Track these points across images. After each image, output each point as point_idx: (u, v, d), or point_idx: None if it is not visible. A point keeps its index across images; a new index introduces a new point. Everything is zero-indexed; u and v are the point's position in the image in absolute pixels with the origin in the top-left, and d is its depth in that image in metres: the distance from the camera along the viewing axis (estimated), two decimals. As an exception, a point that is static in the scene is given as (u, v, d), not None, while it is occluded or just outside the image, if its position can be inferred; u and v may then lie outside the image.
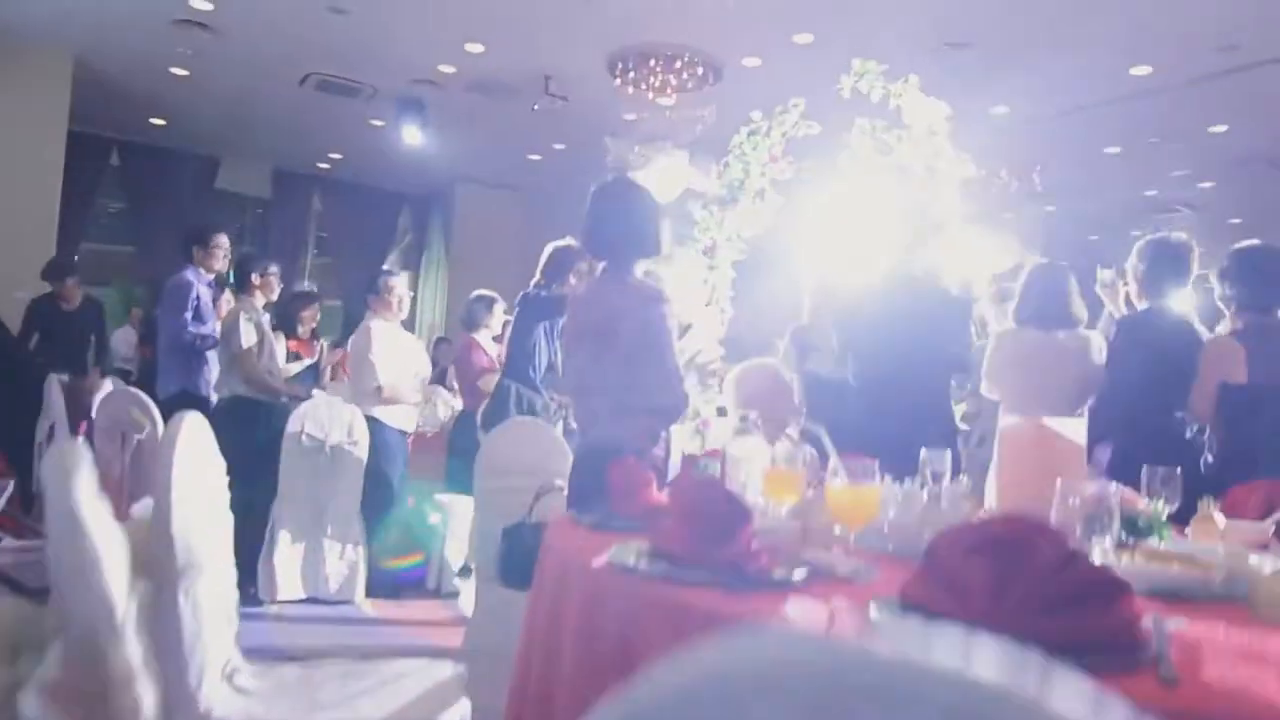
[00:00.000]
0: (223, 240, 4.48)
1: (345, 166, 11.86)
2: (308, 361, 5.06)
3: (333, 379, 5.64)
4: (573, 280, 4.14)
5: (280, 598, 3.97)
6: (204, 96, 9.20)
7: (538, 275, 4.37)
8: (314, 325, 5.22)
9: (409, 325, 14.04)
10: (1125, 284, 3.55)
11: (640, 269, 2.41)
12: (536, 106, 8.18)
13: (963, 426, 3.57)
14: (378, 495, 4.10)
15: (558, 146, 10.26)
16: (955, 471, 2.86)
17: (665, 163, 8.04)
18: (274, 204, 12.63)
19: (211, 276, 4.54)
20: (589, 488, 2.26)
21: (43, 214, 8.50)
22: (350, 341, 4.27)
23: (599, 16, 6.81)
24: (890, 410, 2.77)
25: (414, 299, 13.71)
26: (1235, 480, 2.80)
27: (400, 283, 4.24)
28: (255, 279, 4.17)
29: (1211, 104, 7.99)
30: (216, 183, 11.89)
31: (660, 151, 8.05)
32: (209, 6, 7.09)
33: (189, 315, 4.23)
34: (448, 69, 8.15)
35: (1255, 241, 3.01)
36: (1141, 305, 3.18)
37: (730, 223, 4.30)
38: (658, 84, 7.77)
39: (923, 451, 2.21)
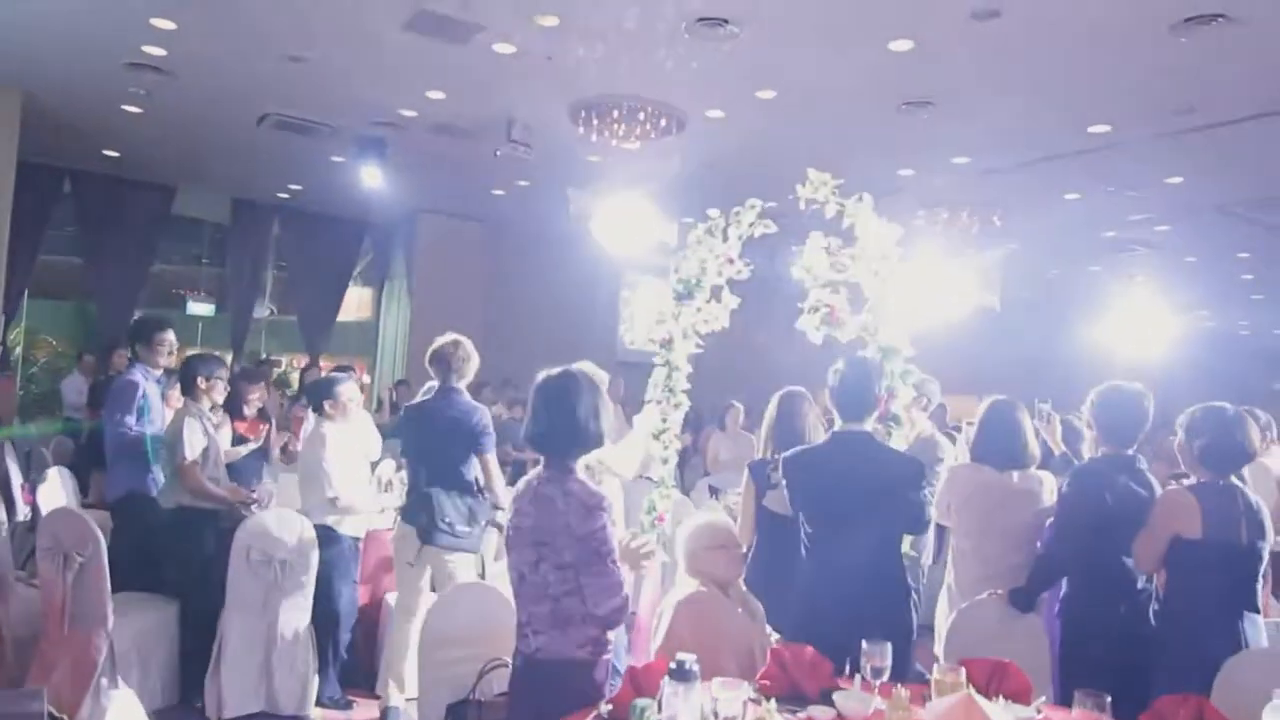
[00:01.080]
0: (167, 336, 4.36)
1: (305, 196, 11.67)
2: (253, 445, 4.95)
3: (283, 454, 5.56)
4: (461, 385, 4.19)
5: (227, 715, 3.87)
6: (158, 131, 9.00)
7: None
8: (261, 405, 5.11)
9: (370, 350, 13.99)
10: (1058, 422, 3.59)
11: (581, 463, 2.38)
12: (499, 153, 8.09)
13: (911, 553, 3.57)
14: (330, 606, 4.02)
15: (521, 183, 10.18)
16: (910, 635, 2.87)
17: (628, 212, 8.01)
18: (233, 230, 12.41)
19: (159, 372, 4.43)
20: (528, 713, 2.22)
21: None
22: (302, 446, 4.17)
23: (560, 70, 6.75)
24: (838, 572, 2.77)
25: (376, 327, 13.59)
26: (1179, 636, 2.84)
27: (349, 387, 4.14)
28: (201, 382, 4.05)
29: (1167, 159, 8.12)
30: (174, 209, 11.67)
31: (623, 200, 8.02)
32: (162, 51, 6.92)
33: (133, 417, 4.12)
34: (409, 112, 8.04)
35: (1223, 405, 3.02)
36: (1099, 451, 3.19)
37: (685, 317, 4.27)
38: (621, 132, 7.72)
39: (864, 644, 2.21)
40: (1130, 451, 3.11)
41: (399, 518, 4.02)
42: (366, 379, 14.98)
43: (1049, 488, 3.33)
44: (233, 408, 4.79)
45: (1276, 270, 12.41)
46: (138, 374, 4.29)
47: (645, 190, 8.13)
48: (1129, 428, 3.12)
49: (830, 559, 2.89)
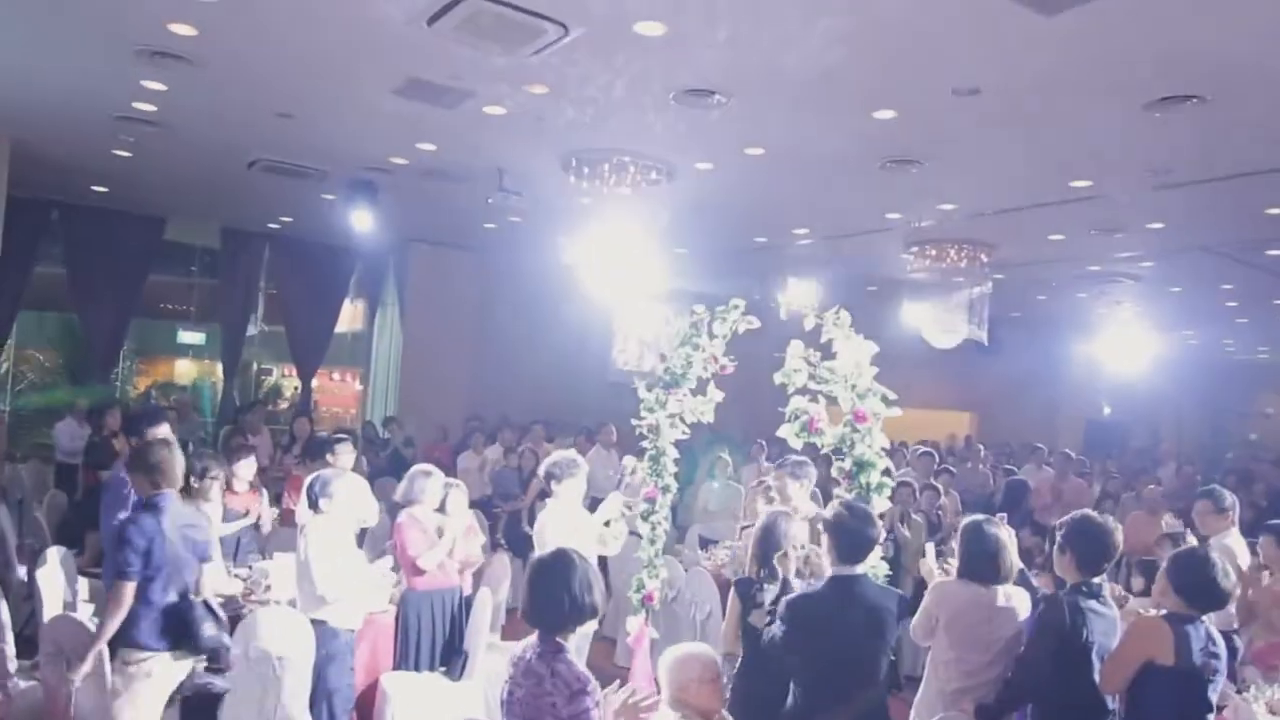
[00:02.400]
0: (160, 432, 4.43)
1: (296, 225, 11.71)
2: (244, 522, 5.02)
3: (281, 521, 5.63)
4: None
5: (226, 808, 3.95)
6: (147, 171, 9.03)
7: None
8: (250, 478, 5.17)
9: (362, 361, 14.01)
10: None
11: (571, 639, 2.48)
12: (491, 200, 8.16)
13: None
14: (327, 698, 4.10)
15: (513, 219, 10.23)
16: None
17: (619, 258, 8.11)
18: (223, 256, 12.43)
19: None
20: None
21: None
22: (300, 545, 4.21)
23: (550, 129, 6.81)
24: (830, 701, 2.89)
25: (368, 337, 13.61)
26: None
27: (343, 485, 4.21)
28: (194, 482, 4.12)
29: (1149, 208, 8.23)
30: (165, 234, 11.70)
31: (614, 247, 8.12)
32: (152, 107, 6.97)
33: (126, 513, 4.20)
34: (399, 160, 8.10)
35: (1209, 555, 3.16)
36: (1070, 580, 3.30)
37: (672, 404, 4.37)
38: (611, 181, 7.79)
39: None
40: (1097, 581, 3.24)
41: None
42: (359, 386, 15.08)
43: (1027, 606, 3.44)
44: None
45: (1260, 298, 12.56)
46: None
47: (636, 230, 8.23)
48: (1099, 559, 3.25)
49: (822, 691, 3.05)
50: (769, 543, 3.52)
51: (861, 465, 3.53)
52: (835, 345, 3.62)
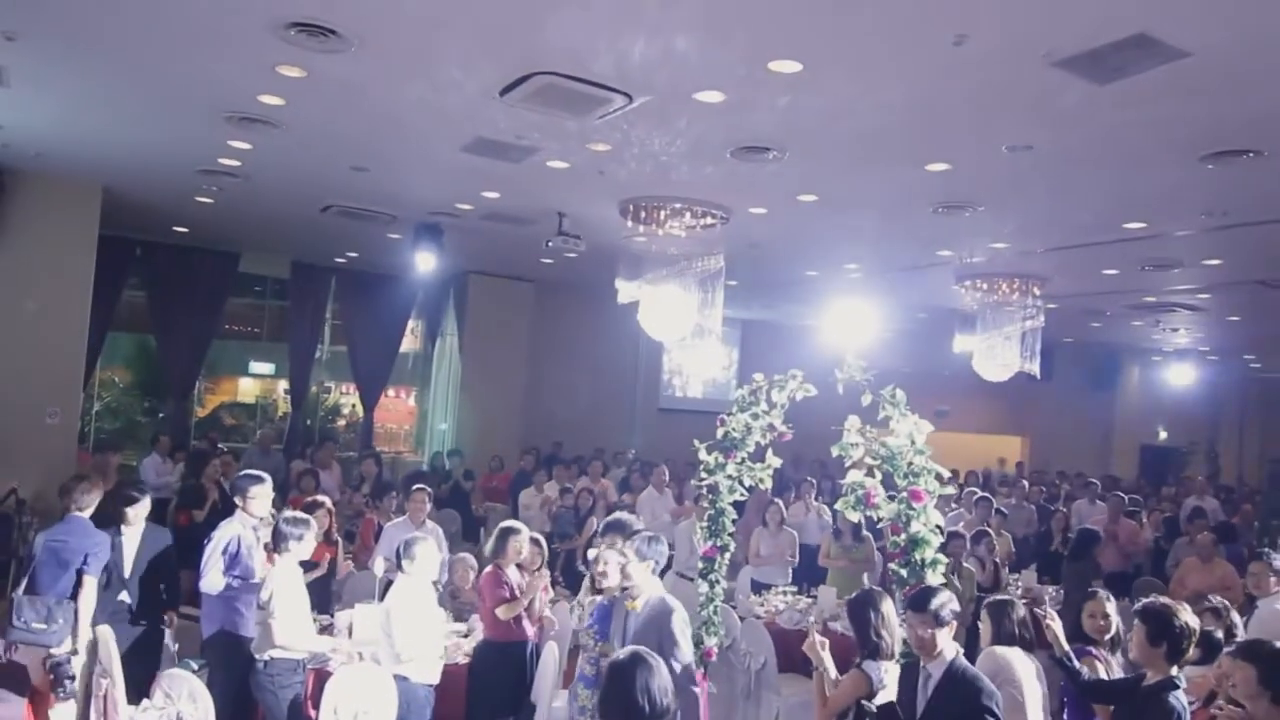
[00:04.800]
0: (262, 489, 4.73)
1: (361, 260, 12.15)
2: (317, 572, 5.29)
3: (354, 563, 5.92)
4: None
5: None
6: (226, 215, 9.48)
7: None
8: (322, 533, 5.39)
9: (419, 396, 14.43)
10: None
11: None
12: (550, 244, 8.45)
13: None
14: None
15: (570, 255, 10.50)
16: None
17: (673, 299, 8.33)
18: (291, 286, 12.91)
19: (255, 521, 4.80)
20: None
21: (72, 332, 8.82)
22: (386, 602, 4.45)
23: (610, 179, 7.07)
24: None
25: (428, 357, 13.98)
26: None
27: (426, 550, 4.39)
28: (286, 544, 4.38)
29: (1204, 246, 8.22)
30: (240, 267, 12.22)
31: (668, 287, 8.33)
32: (236, 163, 7.37)
33: (224, 564, 4.51)
34: (465, 206, 8.43)
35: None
36: (1157, 672, 3.34)
37: (731, 468, 4.57)
38: (668, 225, 8.01)
39: None
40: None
41: None
42: (413, 404, 15.51)
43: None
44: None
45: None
46: (236, 525, 4.68)
47: (690, 270, 8.43)
48: (1184, 652, 3.30)
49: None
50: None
51: (916, 543, 3.67)
52: (891, 424, 3.76)
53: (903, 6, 3.96)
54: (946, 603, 3.28)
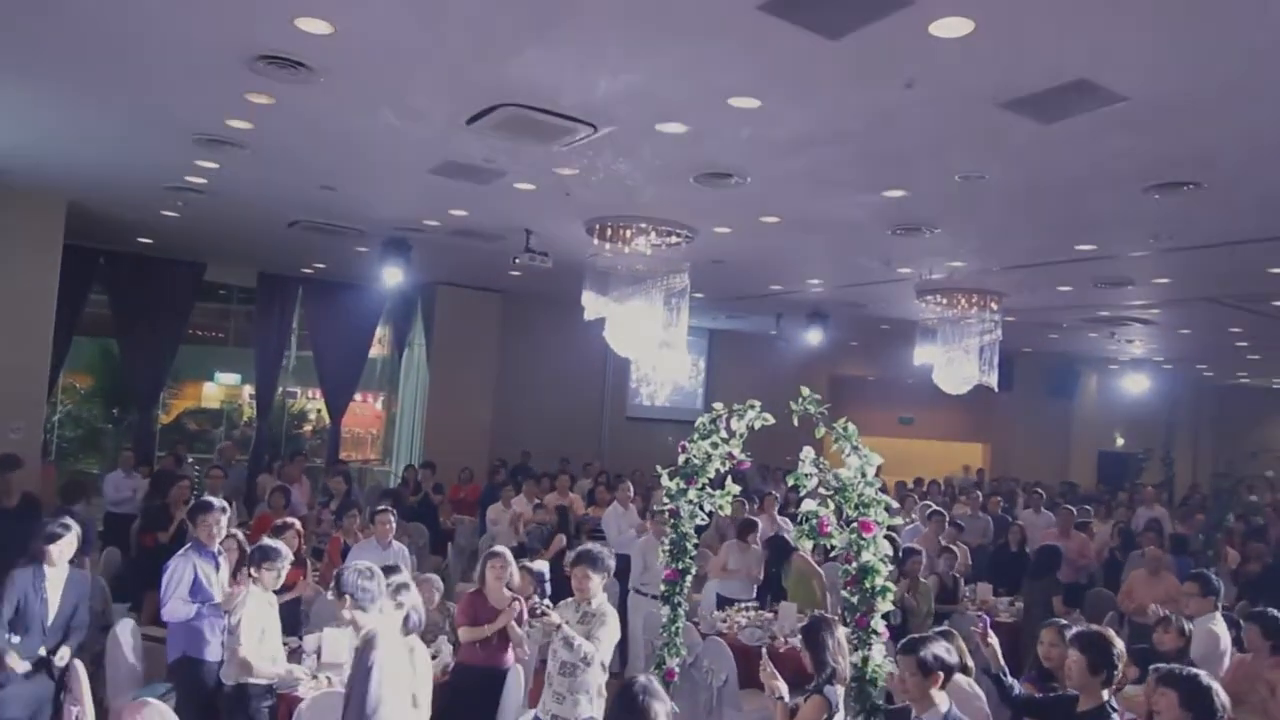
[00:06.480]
0: (214, 518, 4.73)
1: (328, 271, 12.14)
2: (289, 596, 5.31)
3: (327, 587, 5.95)
4: None
5: None
6: (192, 228, 9.45)
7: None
8: (293, 554, 5.41)
9: (387, 403, 14.41)
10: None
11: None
12: (518, 260, 8.54)
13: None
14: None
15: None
16: None
17: (639, 315, 8.43)
18: (258, 295, 12.84)
19: (214, 547, 4.82)
20: None
21: (35, 347, 8.76)
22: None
23: (576, 200, 7.17)
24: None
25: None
26: None
27: (413, 597, 4.28)
28: (253, 570, 4.43)
29: (1153, 267, 8.50)
30: (205, 276, 12.15)
31: (634, 303, 8.44)
32: (202, 180, 7.38)
33: (187, 592, 4.54)
34: (432, 222, 8.50)
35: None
36: (1093, 699, 3.46)
37: (692, 494, 4.69)
38: (634, 244, 8.13)
39: None
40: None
41: None
42: (380, 409, 15.45)
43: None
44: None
45: (1271, 340, 12.74)
46: (191, 552, 4.70)
47: (654, 288, 8.55)
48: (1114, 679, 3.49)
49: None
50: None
51: (867, 571, 3.82)
52: (843, 456, 3.91)
53: (854, 56, 4.12)
54: (940, 653, 3.30)
